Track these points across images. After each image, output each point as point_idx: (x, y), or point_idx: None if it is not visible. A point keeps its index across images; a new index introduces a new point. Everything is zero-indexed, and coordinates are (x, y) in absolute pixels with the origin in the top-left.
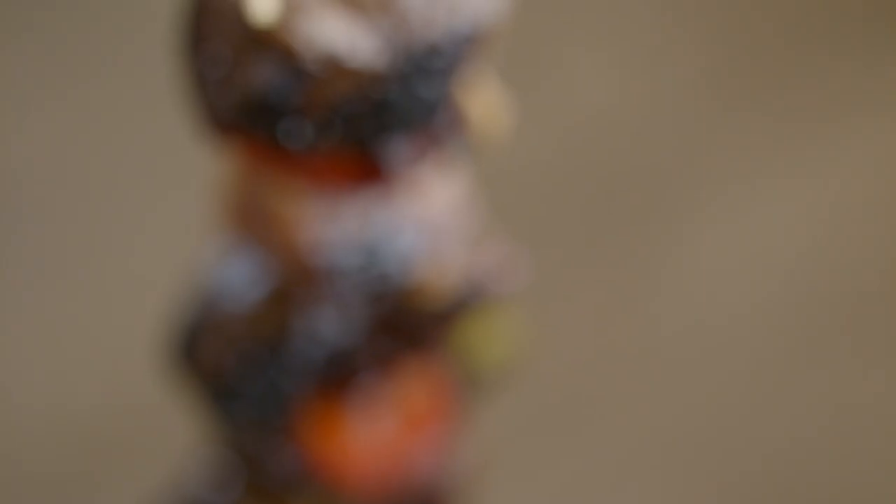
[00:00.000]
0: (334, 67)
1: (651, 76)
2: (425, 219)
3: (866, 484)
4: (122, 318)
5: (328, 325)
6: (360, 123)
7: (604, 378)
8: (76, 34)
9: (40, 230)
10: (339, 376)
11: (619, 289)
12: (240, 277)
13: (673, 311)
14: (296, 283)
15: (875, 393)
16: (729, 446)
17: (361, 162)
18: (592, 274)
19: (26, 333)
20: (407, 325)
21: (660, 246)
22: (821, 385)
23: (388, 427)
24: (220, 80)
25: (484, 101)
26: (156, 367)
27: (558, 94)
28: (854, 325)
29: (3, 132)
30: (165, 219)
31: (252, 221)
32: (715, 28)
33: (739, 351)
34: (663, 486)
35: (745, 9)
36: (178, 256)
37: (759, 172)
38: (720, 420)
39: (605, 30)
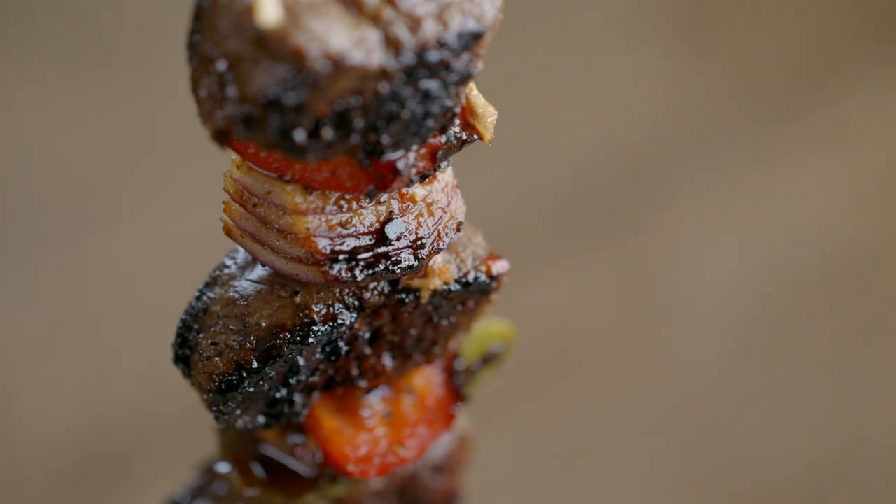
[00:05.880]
0: (339, 66)
1: (656, 88)
2: (429, 200)
3: (859, 461)
4: (155, 313)
5: (334, 316)
6: (364, 123)
7: (595, 346)
8: (76, 32)
9: (62, 221)
10: (344, 367)
11: (615, 267)
12: (242, 274)
13: (665, 286)
14: (304, 273)
15: (857, 374)
16: (712, 419)
17: (367, 163)
18: (589, 251)
19: (58, 325)
20: (413, 314)
21: (652, 229)
22: (801, 361)
23: (388, 421)
24: (219, 84)
25: (475, 94)
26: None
27: (569, 98)
28: (834, 306)
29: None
30: (189, 212)
31: (257, 213)
32: (717, 45)
33: (726, 323)
34: (651, 455)
35: (746, 27)
36: (205, 251)
37: (751, 163)
38: (704, 395)
39: (611, 41)
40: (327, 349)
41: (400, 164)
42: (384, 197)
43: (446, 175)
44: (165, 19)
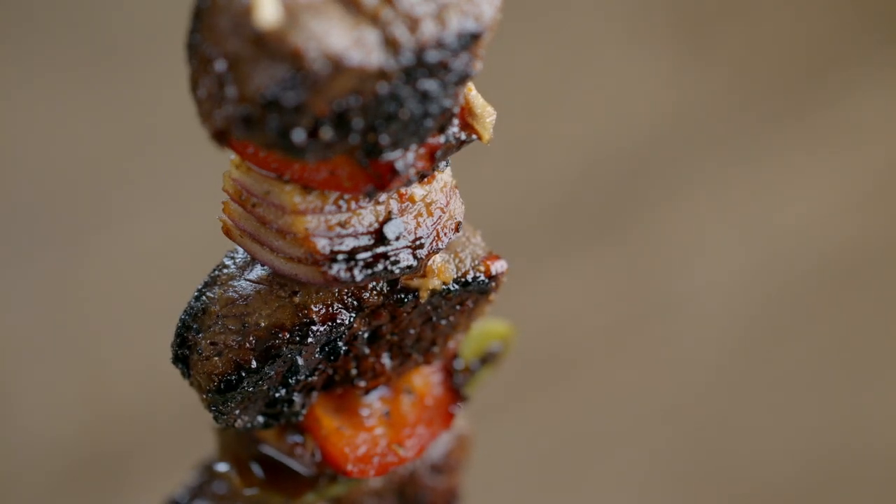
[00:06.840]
0: (338, 66)
1: (658, 92)
2: (427, 200)
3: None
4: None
5: (333, 316)
6: (363, 123)
7: (595, 346)
8: (76, 32)
9: (63, 219)
10: (343, 365)
11: (614, 265)
12: (241, 274)
13: (664, 286)
14: (303, 273)
15: (854, 368)
16: (712, 419)
17: (366, 163)
18: (590, 249)
19: (58, 325)
20: (412, 314)
21: (652, 229)
22: (796, 356)
23: (387, 421)
24: (218, 85)
25: (474, 94)
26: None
27: (577, 97)
28: (834, 306)
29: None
30: (188, 212)
31: (256, 213)
32: (716, 50)
33: (726, 323)
34: (651, 455)
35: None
36: (205, 251)
37: (748, 163)
38: (704, 395)
39: (612, 45)
40: (326, 349)
41: (399, 164)
42: (383, 197)
43: (445, 175)
44: (165, 19)
